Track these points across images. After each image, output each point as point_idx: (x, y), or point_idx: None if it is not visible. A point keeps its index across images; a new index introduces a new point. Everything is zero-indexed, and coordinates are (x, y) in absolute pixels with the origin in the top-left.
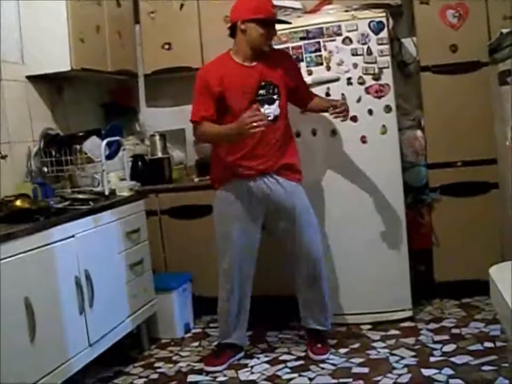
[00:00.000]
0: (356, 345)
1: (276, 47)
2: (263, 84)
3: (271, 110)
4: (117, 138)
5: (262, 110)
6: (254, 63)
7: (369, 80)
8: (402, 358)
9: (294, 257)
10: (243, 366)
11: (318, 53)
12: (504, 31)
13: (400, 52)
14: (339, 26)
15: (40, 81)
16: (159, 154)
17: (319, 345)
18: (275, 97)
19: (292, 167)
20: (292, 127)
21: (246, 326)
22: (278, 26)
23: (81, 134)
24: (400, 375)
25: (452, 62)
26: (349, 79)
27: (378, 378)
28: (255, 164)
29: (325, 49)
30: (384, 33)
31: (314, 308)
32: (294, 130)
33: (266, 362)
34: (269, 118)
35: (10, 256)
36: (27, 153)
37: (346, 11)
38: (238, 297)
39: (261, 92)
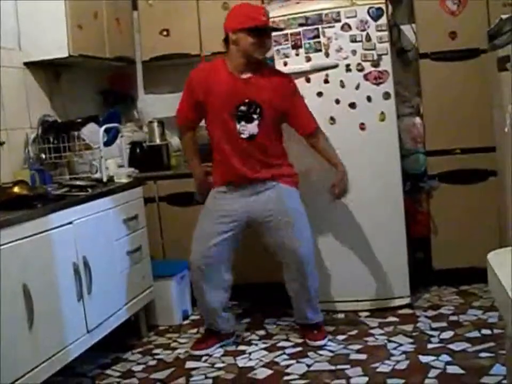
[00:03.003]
0: (354, 332)
1: (274, 34)
2: (246, 101)
3: (246, 128)
4: (115, 125)
5: (238, 126)
6: (247, 75)
7: (368, 67)
8: (400, 344)
9: (281, 258)
10: (241, 353)
11: (316, 39)
12: (504, 16)
13: (399, 38)
14: (338, 12)
15: (37, 67)
16: (157, 141)
17: (315, 332)
18: (255, 116)
19: (283, 175)
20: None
21: (229, 315)
22: (276, 13)
23: (79, 120)
24: (398, 361)
25: (451, 49)
26: (347, 65)
27: (376, 365)
28: (238, 173)
29: (324, 36)
30: (383, 20)
31: (303, 305)
32: None
33: (264, 349)
34: (242, 136)
35: (8, 243)
36: (25, 140)
37: None
38: (210, 290)
39: (242, 108)
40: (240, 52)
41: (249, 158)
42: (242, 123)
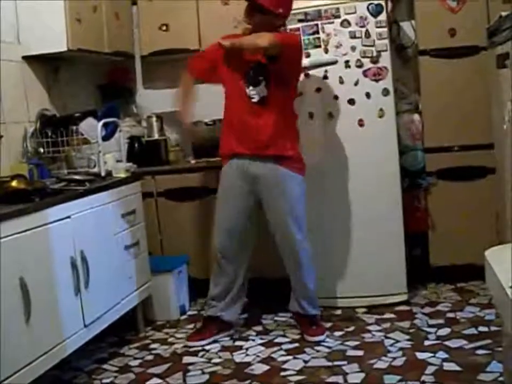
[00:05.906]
0: (351, 328)
1: None
2: (252, 65)
3: (255, 92)
4: (114, 119)
5: (247, 91)
6: None
7: (367, 63)
8: (397, 341)
9: (277, 244)
10: (238, 348)
11: (316, 35)
12: (503, 13)
13: (398, 35)
14: (337, 8)
15: (36, 61)
16: (156, 136)
17: (314, 327)
18: (260, 78)
19: (289, 159)
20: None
21: (239, 304)
22: None
23: (77, 115)
24: (394, 358)
25: (451, 46)
26: (346, 62)
27: (373, 361)
28: (246, 144)
29: (323, 32)
30: (382, 16)
31: (298, 294)
32: None
33: (261, 344)
34: (253, 100)
35: (5, 237)
36: (23, 134)
37: None
38: (233, 271)
39: (250, 72)
40: None
41: (260, 127)
42: (251, 88)
